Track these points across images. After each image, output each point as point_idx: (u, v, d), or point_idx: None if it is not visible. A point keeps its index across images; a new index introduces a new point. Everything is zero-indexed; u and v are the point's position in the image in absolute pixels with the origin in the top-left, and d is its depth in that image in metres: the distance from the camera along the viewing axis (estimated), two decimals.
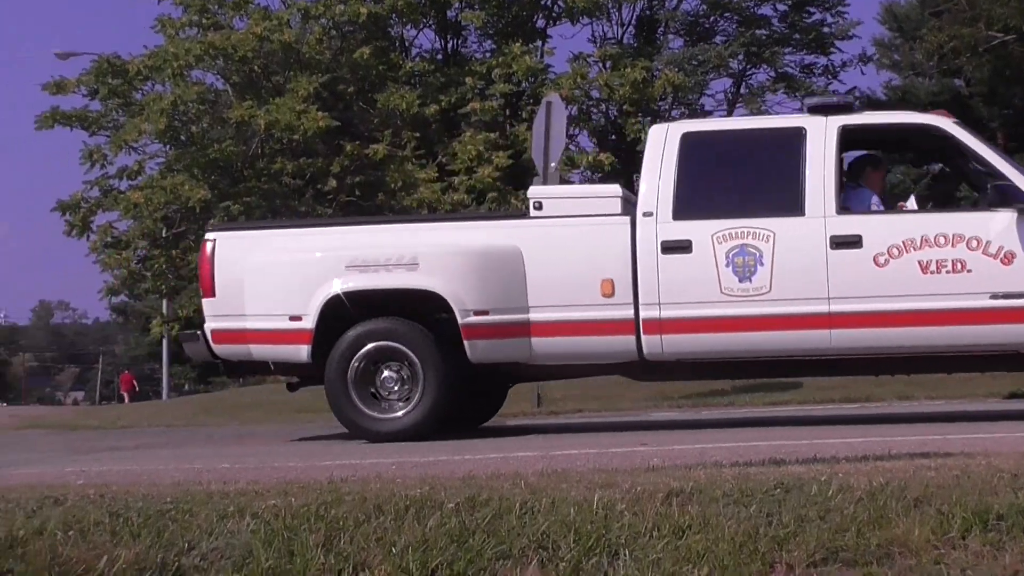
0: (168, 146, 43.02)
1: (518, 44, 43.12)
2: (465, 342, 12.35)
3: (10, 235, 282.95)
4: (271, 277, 12.73)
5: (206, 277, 13.12)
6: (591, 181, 48.32)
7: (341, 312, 12.48)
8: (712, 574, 6.03)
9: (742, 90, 49.76)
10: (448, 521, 6.59)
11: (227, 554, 6.26)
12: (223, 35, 40.66)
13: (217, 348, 12.88)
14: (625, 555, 6.22)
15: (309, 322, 12.43)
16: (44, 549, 6.26)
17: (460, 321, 12.32)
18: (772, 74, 48.93)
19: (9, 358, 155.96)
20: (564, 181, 39.71)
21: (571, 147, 42.13)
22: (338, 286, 12.42)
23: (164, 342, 51.44)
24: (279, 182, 41.82)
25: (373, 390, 12.59)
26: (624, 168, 45.17)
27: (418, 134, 42.47)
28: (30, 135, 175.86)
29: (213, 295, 12.98)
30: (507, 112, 44.48)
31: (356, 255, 12.52)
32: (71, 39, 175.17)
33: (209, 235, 13.39)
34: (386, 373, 12.55)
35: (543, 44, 46.06)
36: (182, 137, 42.25)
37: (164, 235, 43.07)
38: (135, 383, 76.43)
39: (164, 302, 48.57)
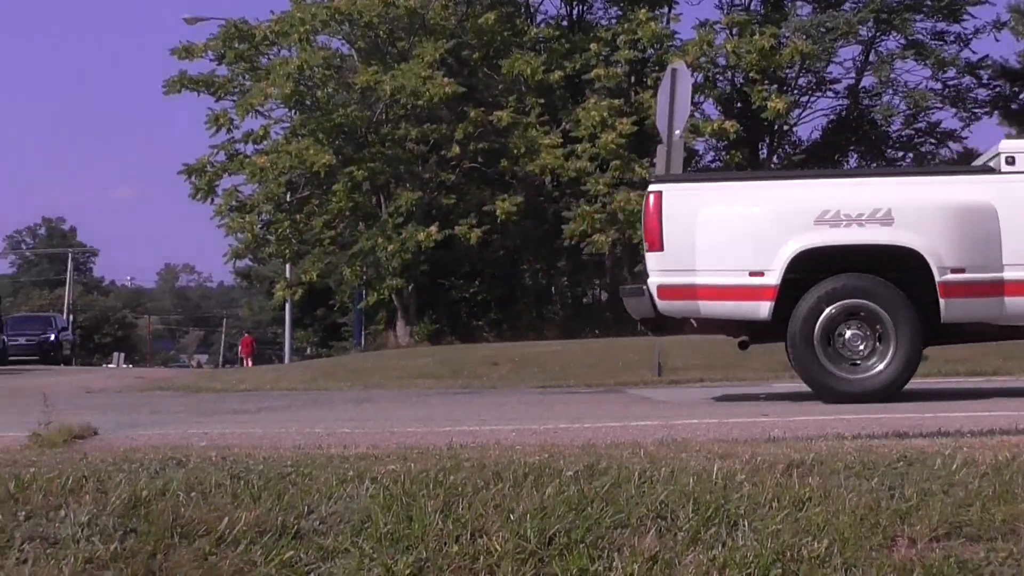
0: (293, 111, 43.47)
1: (644, 10, 42.93)
2: (941, 300, 11.92)
3: (137, 199, 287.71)
4: (728, 231, 12.25)
5: (653, 230, 12.46)
6: (716, 149, 48.10)
7: (805, 267, 12.05)
8: (832, 547, 5.97)
9: (871, 58, 49.06)
10: (566, 489, 6.59)
11: (346, 518, 6.30)
12: (349, 0, 40.90)
13: (662, 304, 12.38)
14: (744, 526, 6.18)
15: (772, 278, 12.02)
16: (167, 510, 6.35)
17: (937, 279, 11.89)
18: (902, 41, 48.09)
19: (135, 320, 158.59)
20: (688, 149, 39.57)
21: (695, 114, 41.84)
22: (807, 240, 11.99)
23: (287, 306, 52.08)
24: (403, 148, 42.09)
25: (833, 348, 12.11)
26: (749, 136, 44.86)
27: (542, 100, 42.49)
28: (158, 100, 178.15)
29: (660, 249, 12.41)
30: (631, 79, 44.35)
31: (827, 209, 12.03)
32: (199, 3, 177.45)
33: (654, 187, 12.71)
34: (850, 332, 12.07)
35: (669, 10, 45.81)
36: (307, 102, 42.68)
37: (288, 199, 43.57)
38: (254, 345, 77.41)
39: (287, 266, 49.16)
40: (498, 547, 5.99)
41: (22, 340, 55.67)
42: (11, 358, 50.70)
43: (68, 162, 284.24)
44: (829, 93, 51.25)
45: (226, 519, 6.24)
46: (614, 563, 5.88)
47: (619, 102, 42.01)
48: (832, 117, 51.56)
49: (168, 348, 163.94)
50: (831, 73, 50.42)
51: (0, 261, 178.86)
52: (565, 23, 48.29)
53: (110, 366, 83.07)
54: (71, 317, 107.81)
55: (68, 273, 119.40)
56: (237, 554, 5.98)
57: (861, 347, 12.05)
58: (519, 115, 41.96)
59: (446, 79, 40.03)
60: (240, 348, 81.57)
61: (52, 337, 58.65)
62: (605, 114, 41.09)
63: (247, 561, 5.93)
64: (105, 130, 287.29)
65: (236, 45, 42.81)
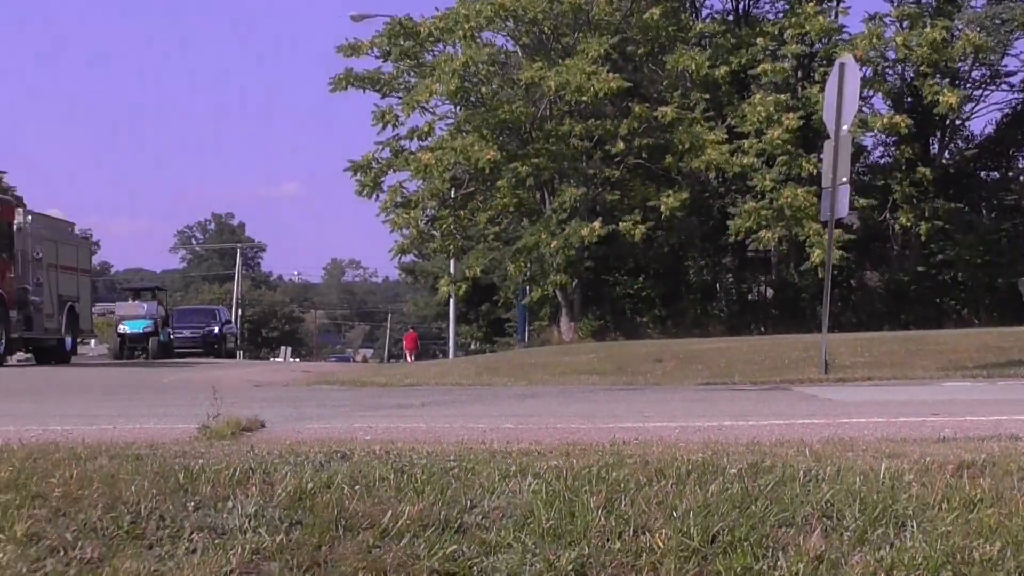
0: (458, 107, 43.75)
1: (812, 4, 42.42)
2: None
3: (304, 195, 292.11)
4: None
5: None
6: (885, 145, 47.37)
7: None
8: (1005, 550, 5.84)
9: None
10: (730, 487, 6.54)
11: (508, 513, 6.32)
12: None
13: None
14: (912, 527, 6.08)
15: None
16: (331, 502, 6.42)
17: None
18: None
19: (302, 315, 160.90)
20: (856, 145, 39.01)
21: (864, 109, 41.23)
22: None
23: (451, 301, 52.43)
24: (567, 144, 42.11)
25: None
26: (920, 131, 44.06)
27: (707, 95, 42.23)
28: (324, 97, 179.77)
29: None
30: (798, 73, 43.87)
31: None
32: (366, 1, 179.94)
33: None
34: None
35: (838, 4, 45.22)
36: (472, 98, 42.91)
37: (453, 195, 43.87)
38: (418, 341, 78.09)
39: (452, 261, 49.50)
40: (661, 544, 5.96)
41: (187, 333, 56.59)
42: (176, 350, 51.80)
43: (238, 158, 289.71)
44: (1004, 86, 50.18)
45: (390, 512, 6.29)
46: (779, 562, 5.81)
47: (786, 97, 41.60)
48: (1007, 111, 50.50)
49: (334, 342, 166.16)
50: (1006, 66, 49.37)
51: (171, 256, 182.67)
52: (731, 17, 47.94)
53: (277, 360, 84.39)
54: (239, 311, 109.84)
55: (237, 268, 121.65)
56: (401, 547, 6.02)
57: None
58: (684, 111, 41.75)
59: (611, 75, 39.97)
60: (404, 343, 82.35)
61: (216, 330, 59.32)
62: (772, 109, 40.72)
63: (410, 555, 5.97)
64: (274, 127, 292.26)
65: (401, 42, 43.21)
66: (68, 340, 36.47)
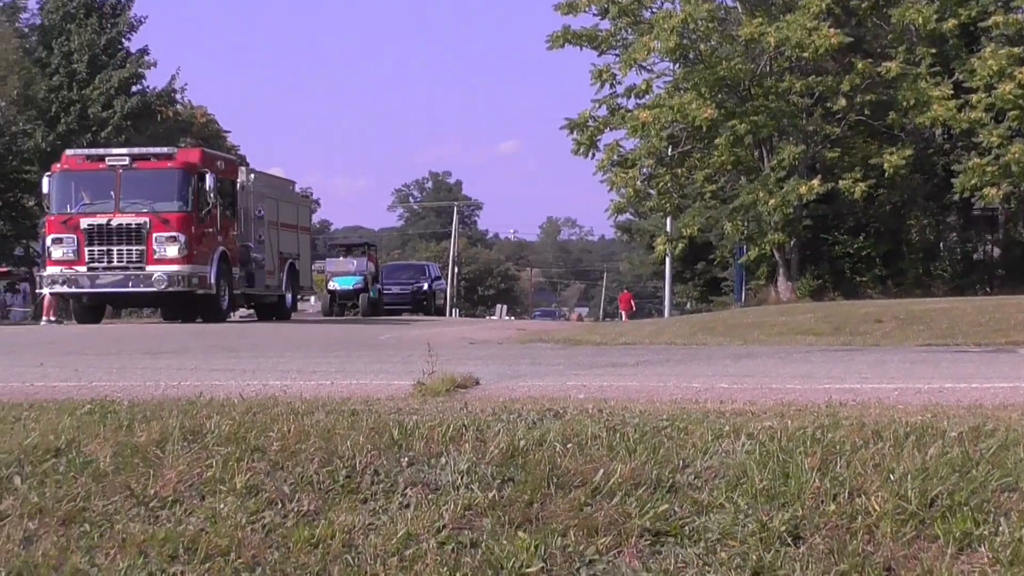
0: (676, 64, 43.47)
1: None
2: None
3: (521, 153, 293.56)
4: None
5: None
6: None
7: None
8: None
9: None
10: (950, 450, 6.42)
11: (721, 473, 6.30)
12: None
13: None
14: None
15: None
16: (544, 460, 6.48)
17: None
18: None
19: (517, 273, 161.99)
20: None
21: None
22: None
23: (667, 260, 52.23)
24: (786, 101, 41.58)
25: None
26: None
27: (933, 50, 41.24)
28: (542, 54, 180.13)
29: None
30: None
31: None
32: None
33: None
34: None
35: None
36: (690, 55, 42.61)
37: (670, 154, 43.67)
38: (633, 302, 77.96)
39: (668, 220, 49.30)
40: (877, 507, 5.89)
41: (395, 289, 56.11)
42: (385, 307, 52.07)
43: (455, 117, 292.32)
44: None
45: (601, 471, 6.32)
46: (1000, 528, 5.69)
47: (1019, 50, 40.40)
48: None
49: (549, 300, 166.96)
50: None
51: (389, 214, 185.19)
52: None
53: (492, 318, 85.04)
54: (455, 269, 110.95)
55: (453, 226, 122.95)
56: (612, 506, 6.05)
57: None
58: (909, 66, 40.86)
59: (832, 30, 39.32)
60: (619, 304, 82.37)
61: (425, 286, 58.57)
62: (1004, 63, 39.60)
63: (622, 513, 5.99)
64: (491, 85, 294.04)
65: None
66: (288, 297, 37.27)
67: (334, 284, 49.67)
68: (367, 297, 49.45)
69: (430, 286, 59.03)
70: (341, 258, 52.32)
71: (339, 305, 49.48)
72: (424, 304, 56.64)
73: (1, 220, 60.15)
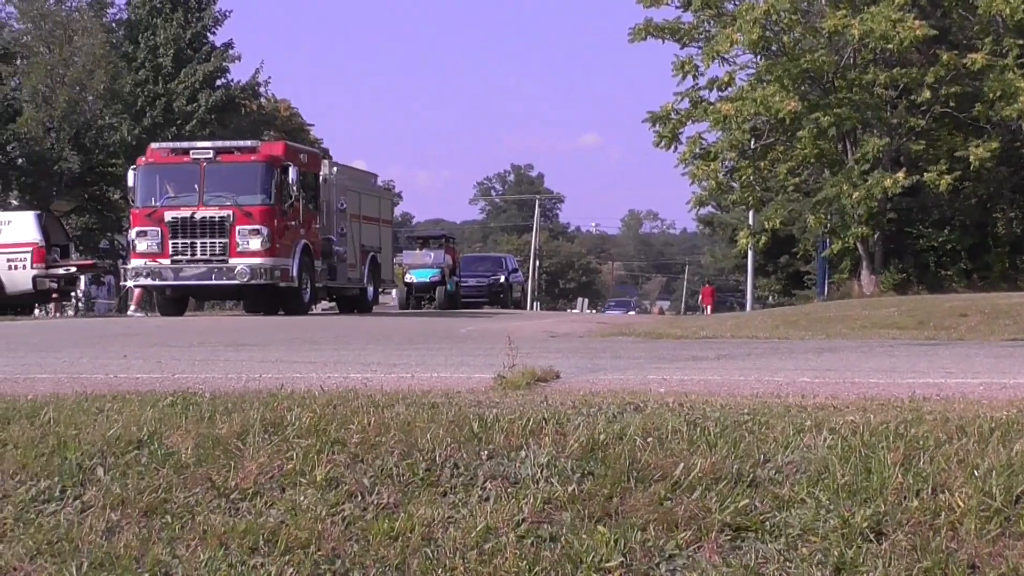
0: (759, 56, 43.22)
1: None
2: None
3: (603, 146, 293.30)
4: None
5: None
6: None
7: None
8: None
9: None
10: None
11: (802, 468, 6.26)
12: None
13: None
14: None
15: None
16: (623, 454, 6.46)
17: None
18: None
19: (599, 266, 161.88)
20: None
21: None
22: None
23: (750, 253, 51.98)
24: (870, 93, 41.22)
25: None
26: None
27: (1021, 41, 40.69)
28: (623, 47, 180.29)
29: None
30: None
31: None
32: None
33: None
34: None
35: None
36: (773, 47, 42.35)
37: (752, 146, 43.42)
38: (715, 295, 77.73)
39: (750, 213, 49.05)
40: (961, 503, 5.82)
41: (471, 282, 55.23)
42: (464, 299, 51.40)
43: (537, 110, 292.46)
44: None
45: (682, 465, 6.30)
46: None
47: None
48: None
49: (631, 294, 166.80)
50: None
51: (471, 207, 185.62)
52: None
53: (574, 311, 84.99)
54: (536, 262, 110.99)
55: (535, 219, 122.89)
56: (692, 500, 6.03)
57: None
58: (995, 57, 40.35)
59: (917, 21, 38.91)
60: (701, 298, 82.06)
61: (502, 279, 57.56)
62: None
63: (702, 507, 5.97)
64: (573, 78, 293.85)
65: None
66: (370, 290, 37.37)
67: (411, 276, 48.94)
68: (444, 290, 48.98)
69: (507, 279, 58.11)
70: (418, 250, 51.68)
71: (415, 298, 49.03)
72: (501, 297, 56.02)
73: (87, 213, 60.90)
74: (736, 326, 22.98)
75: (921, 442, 6.47)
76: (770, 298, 68.81)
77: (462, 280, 53.40)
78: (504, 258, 65.65)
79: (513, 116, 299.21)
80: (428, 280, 49.17)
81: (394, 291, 48.62)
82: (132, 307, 36.81)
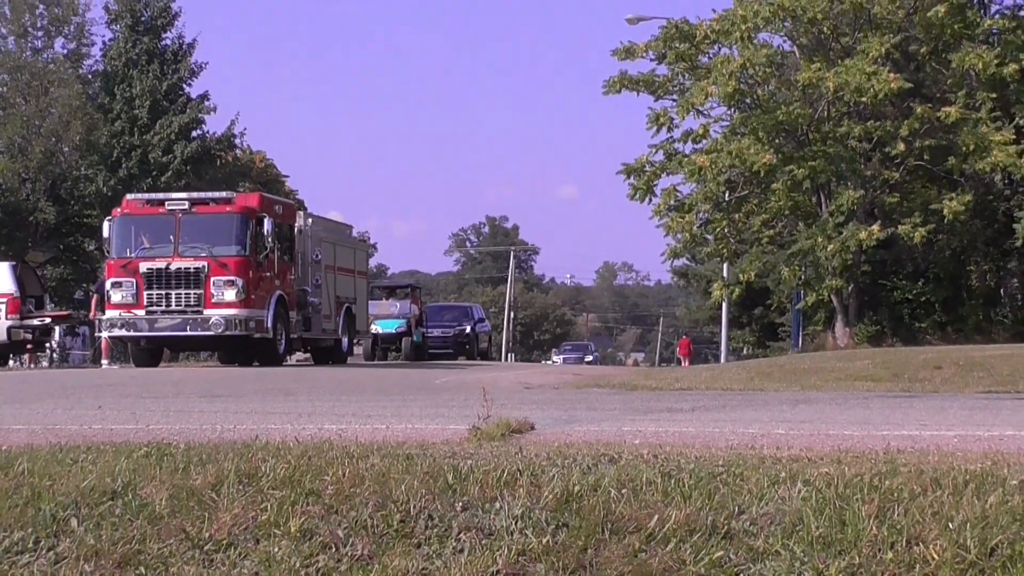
0: (733, 109, 43.42)
1: None
2: None
3: (578, 197, 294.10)
4: None
5: None
6: None
7: None
8: None
9: None
10: (1011, 498, 6.36)
11: (777, 520, 6.27)
12: None
13: None
14: None
15: None
16: (598, 505, 6.47)
17: None
18: None
19: (574, 317, 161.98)
20: None
21: None
22: None
23: (724, 305, 52.03)
24: (845, 145, 41.42)
25: None
26: None
27: (994, 95, 40.98)
28: (599, 99, 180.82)
29: None
30: None
31: None
32: (641, 4, 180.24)
33: None
34: None
35: None
36: (748, 100, 42.56)
37: (727, 198, 43.57)
38: (692, 347, 77.52)
39: (725, 265, 49.13)
40: (935, 556, 5.83)
41: (436, 332, 53.85)
42: (430, 351, 50.25)
43: (512, 162, 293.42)
44: None
45: (656, 516, 6.30)
46: None
47: None
48: None
49: (606, 345, 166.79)
50: None
51: (446, 259, 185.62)
52: (1023, 13, 46.45)
53: (548, 363, 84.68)
54: (511, 314, 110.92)
55: (510, 271, 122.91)
56: (667, 552, 6.03)
57: None
58: (968, 111, 40.62)
59: (892, 75, 39.15)
60: (678, 349, 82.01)
61: (468, 329, 56.13)
62: None
63: (676, 559, 5.97)
64: (548, 130, 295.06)
65: (677, 45, 43.05)
66: (345, 341, 37.31)
67: (376, 327, 46.64)
68: (410, 341, 48.19)
69: (473, 328, 56.66)
70: (384, 300, 50.59)
71: (381, 349, 47.84)
72: (467, 348, 54.75)
73: (62, 264, 60.75)
74: (711, 378, 23.01)
75: (896, 494, 6.49)
76: (745, 350, 68.88)
77: (428, 331, 52.34)
78: (470, 307, 64.06)
79: (489, 168, 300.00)
80: (394, 331, 48.22)
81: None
82: (104, 360, 36.61)
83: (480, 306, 73.46)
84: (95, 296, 35.76)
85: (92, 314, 33.41)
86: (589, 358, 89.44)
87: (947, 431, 9.71)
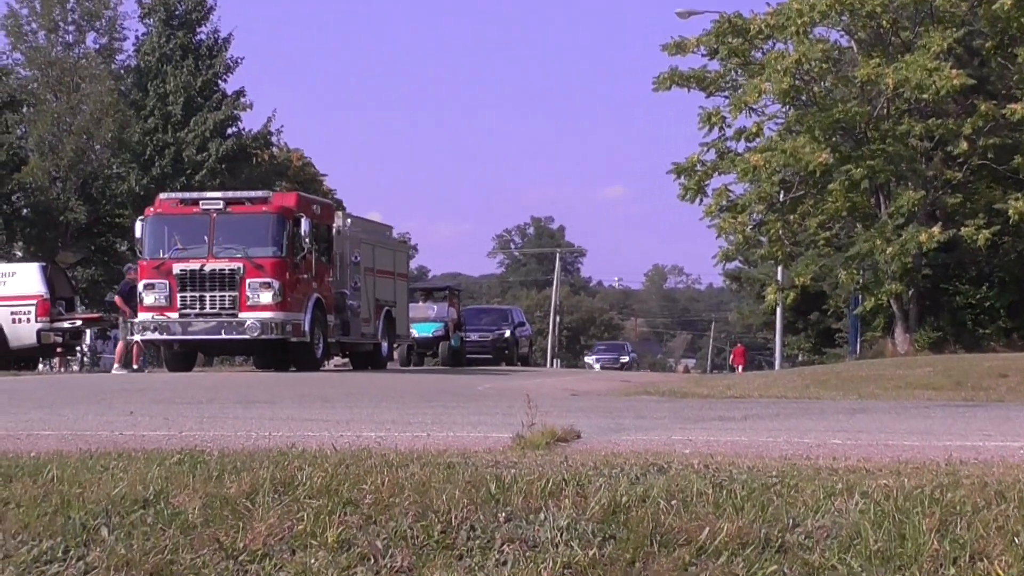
0: (788, 107, 43.28)
1: None
2: None
3: (626, 198, 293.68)
4: None
5: None
6: None
7: None
8: None
9: None
10: None
11: (833, 533, 6.24)
12: None
13: None
14: None
15: None
16: (646, 517, 6.45)
17: None
18: None
19: (621, 322, 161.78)
20: None
21: None
22: None
23: (778, 310, 51.86)
24: (905, 144, 41.22)
25: None
26: None
27: None
28: (648, 96, 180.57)
29: None
30: None
31: None
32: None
33: None
34: None
35: None
36: (803, 97, 42.40)
37: (781, 199, 43.44)
38: (747, 356, 76.78)
39: (779, 268, 48.99)
40: (1000, 572, 5.80)
41: (474, 336, 53.22)
42: (468, 356, 49.88)
43: (558, 161, 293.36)
44: None
45: (707, 529, 6.28)
46: None
47: None
48: None
49: (655, 351, 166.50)
50: None
51: (489, 261, 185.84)
52: None
53: (587, 367, 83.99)
54: (557, 318, 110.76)
55: (555, 273, 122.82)
56: (718, 566, 6.01)
57: None
58: None
59: (954, 70, 38.95)
60: (732, 358, 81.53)
61: (507, 333, 55.38)
62: None
63: (728, 573, 5.95)
64: (594, 128, 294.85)
65: (729, 40, 42.96)
66: (384, 346, 37.31)
67: (412, 331, 44.99)
68: (448, 345, 48.02)
69: (513, 333, 55.92)
70: (420, 303, 49.75)
71: (417, 354, 47.55)
72: (506, 353, 54.08)
73: (93, 265, 61.13)
74: (764, 385, 22.95)
75: (958, 507, 6.45)
76: (800, 356, 68.66)
77: (466, 335, 51.89)
78: (510, 310, 63.47)
79: (534, 167, 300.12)
80: (431, 335, 47.86)
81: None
82: (117, 363, 36.41)
83: (520, 309, 73.22)
84: (117, 298, 35.75)
85: (126, 314, 33.36)
86: (625, 358, 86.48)
87: (1012, 442, 9.65)
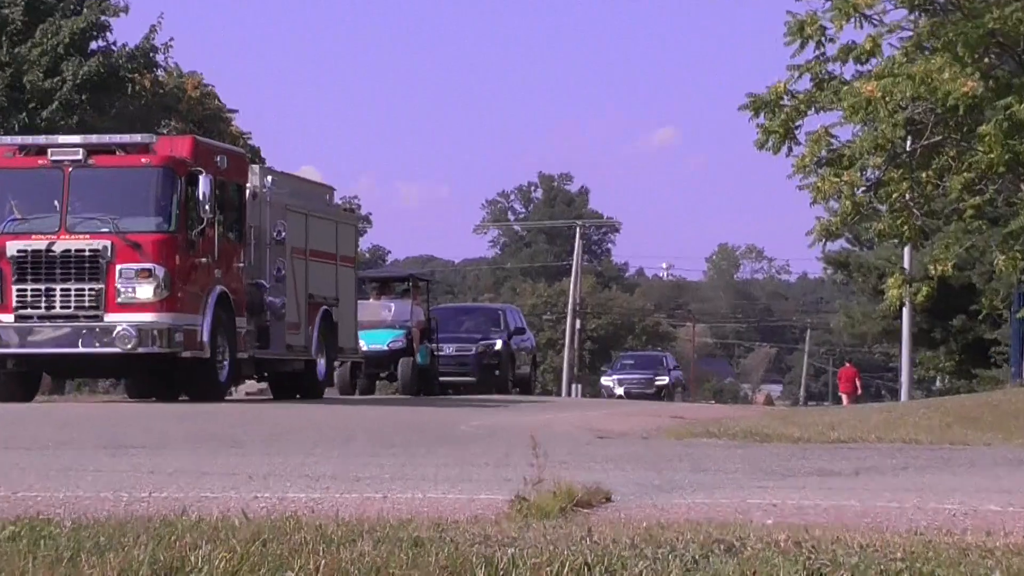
0: (917, 13, 43.40)
1: None
2: None
3: (680, 147, 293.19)
4: None
5: None
6: None
7: None
8: None
9: None
10: None
11: None
12: None
13: None
14: None
15: None
16: None
17: None
18: None
19: (672, 328, 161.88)
20: None
21: None
22: None
23: (905, 313, 52.02)
24: None
25: None
26: None
27: None
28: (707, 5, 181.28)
29: None
30: None
31: None
32: None
33: None
34: None
35: None
36: (940, 1, 42.53)
37: (908, 148, 43.56)
38: (858, 380, 75.94)
39: (906, 250, 49.11)
40: None
41: (449, 349, 52.11)
42: (441, 379, 49.49)
43: (578, 90, 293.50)
44: None
45: None
46: None
47: None
48: None
49: (722, 371, 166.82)
50: None
51: (476, 240, 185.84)
52: None
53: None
54: (577, 322, 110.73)
55: (575, 256, 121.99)
56: None
57: None
58: None
59: None
60: (839, 384, 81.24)
61: (498, 344, 54.37)
62: None
63: None
64: (633, 42, 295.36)
65: None
66: (321, 364, 37.08)
67: (361, 342, 43.57)
68: (411, 363, 46.21)
69: (507, 343, 54.77)
70: (373, 300, 48.64)
71: (368, 376, 46.84)
72: (497, 374, 53.43)
73: None
74: (886, 424, 23.03)
75: None
76: (938, 381, 68.88)
77: (441, 347, 50.66)
78: (504, 311, 62.53)
79: (542, 99, 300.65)
80: (386, 347, 46.55)
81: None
82: None
83: (518, 309, 72.39)
84: None
85: None
86: (663, 379, 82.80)
87: None
